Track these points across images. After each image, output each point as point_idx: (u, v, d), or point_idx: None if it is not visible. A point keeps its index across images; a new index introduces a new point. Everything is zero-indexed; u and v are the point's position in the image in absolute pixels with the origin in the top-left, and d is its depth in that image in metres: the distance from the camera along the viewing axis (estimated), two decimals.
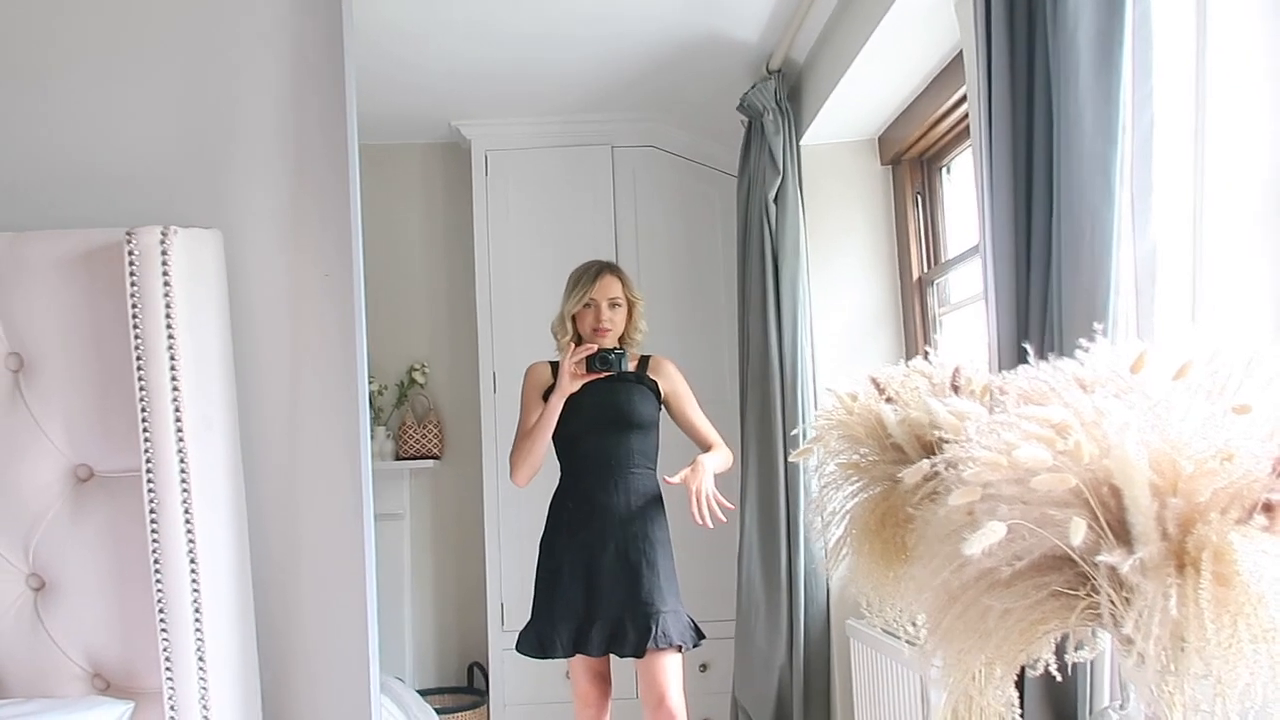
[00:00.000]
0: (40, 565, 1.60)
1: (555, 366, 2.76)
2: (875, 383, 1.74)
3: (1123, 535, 1.05)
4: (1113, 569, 1.03)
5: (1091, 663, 1.36)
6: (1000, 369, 1.44)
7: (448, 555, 4.18)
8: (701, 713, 3.81)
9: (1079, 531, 1.01)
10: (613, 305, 2.75)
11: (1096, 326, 1.22)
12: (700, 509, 2.60)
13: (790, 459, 2.71)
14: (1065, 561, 1.10)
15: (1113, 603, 1.05)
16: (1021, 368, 1.21)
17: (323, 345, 1.70)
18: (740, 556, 3.31)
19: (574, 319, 2.77)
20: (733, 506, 2.68)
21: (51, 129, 1.73)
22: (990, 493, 1.08)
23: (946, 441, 1.21)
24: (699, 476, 2.63)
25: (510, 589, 3.80)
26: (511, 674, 3.80)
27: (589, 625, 2.62)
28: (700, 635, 2.66)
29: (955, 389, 1.64)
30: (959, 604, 1.16)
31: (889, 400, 1.70)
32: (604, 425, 2.70)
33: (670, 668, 2.57)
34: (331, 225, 1.70)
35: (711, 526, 2.61)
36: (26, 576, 1.61)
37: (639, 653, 2.56)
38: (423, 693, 3.67)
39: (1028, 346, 1.29)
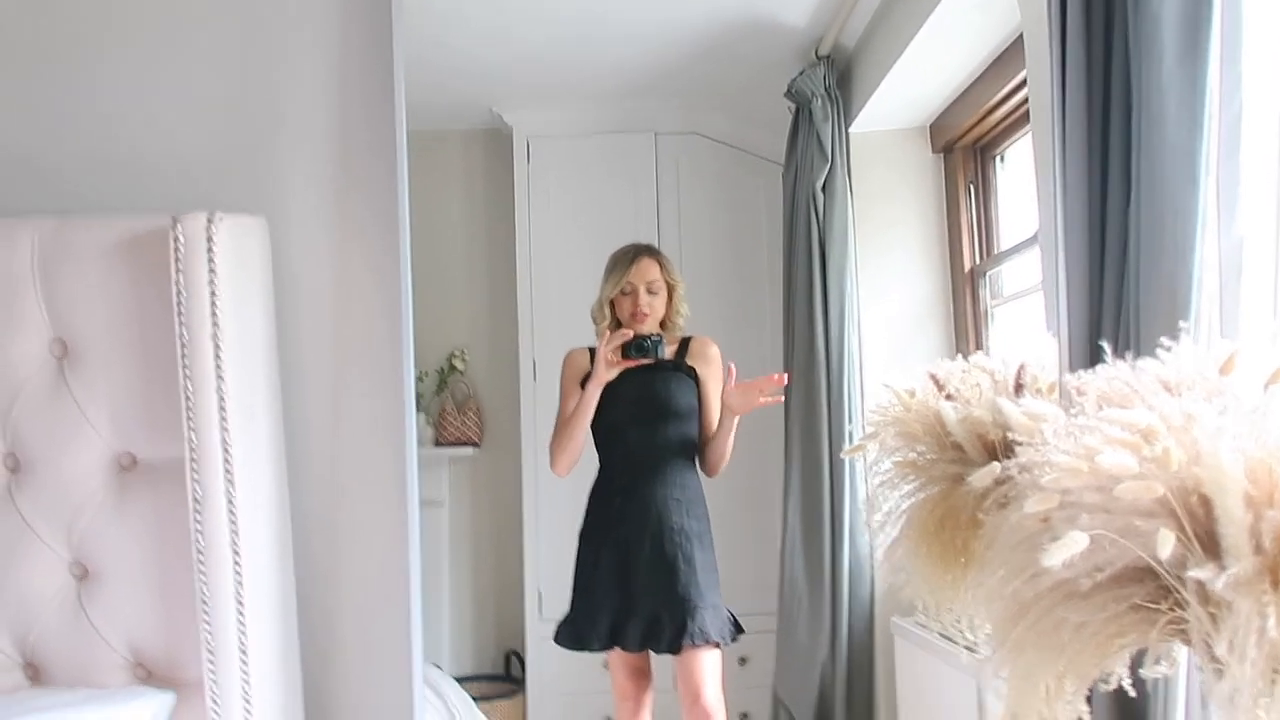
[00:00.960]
0: (83, 554, 1.59)
1: (594, 353, 2.70)
2: (934, 379, 1.68)
3: (1212, 548, 0.99)
4: (1201, 584, 0.97)
5: (1166, 679, 1.30)
6: (1072, 367, 1.37)
7: (486, 543, 4.17)
8: (741, 707, 3.77)
9: (1168, 543, 0.95)
10: (651, 290, 2.68)
11: (1181, 324, 1.16)
12: (763, 388, 2.53)
13: (842, 455, 2.64)
14: (1147, 574, 1.04)
15: (1200, 620, 0.99)
16: (1100, 367, 1.15)
17: (368, 335, 1.67)
18: (783, 550, 3.26)
19: (612, 304, 2.72)
20: (780, 379, 2.57)
21: (98, 114, 1.71)
22: (1069, 500, 1.02)
23: (1018, 444, 1.15)
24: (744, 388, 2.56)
25: (548, 577, 3.78)
26: (549, 663, 3.78)
27: (626, 620, 2.57)
28: (739, 630, 2.61)
29: (1020, 387, 1.57)
30: (1031, 615, 1.10)
31: (948, 397, 1.64)
32: (642, 416, 2.65)
33: (707, 664, 2.52)
34: (378, 213, 1.67)
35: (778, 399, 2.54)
36: (70, 565, 1.60)
37: (675, 649, 2.51)
38: (460, 680, 3.67)
39: (1104, 345, 1.22)
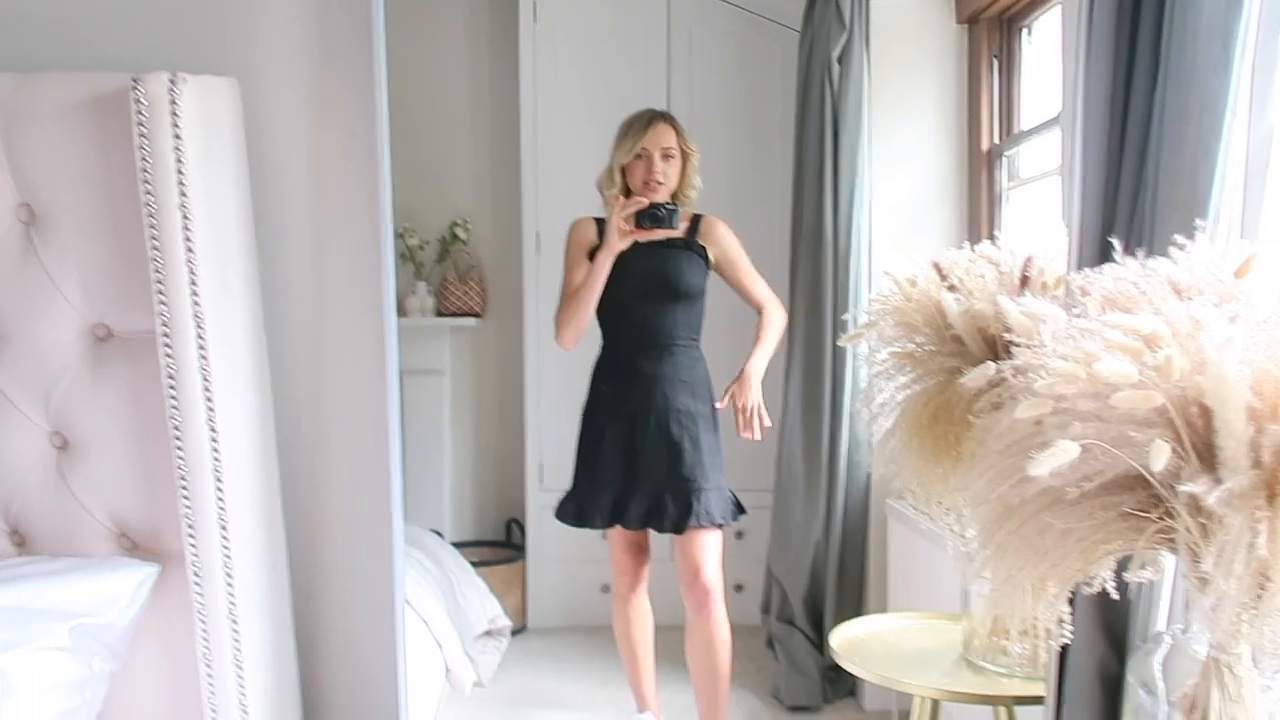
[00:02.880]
0: (62, 424, 1.57)
1: (601, 224, 2.61)
2: (938, 268, 1.61)
3: (1208, 460, 0.94)
4: (1194, 497, 0.93)
5: (1150, 583, 1.28)
6: (1080, 263, 1.30)
7: (487, 413, 4.18)
8: (735, 579, 3.84)
9: (1162, 456, 0.91)
10: (666, 156, 2.57)
11: (1198, 223, 1.08)
12: (749, 425, 2.53)
13: (840, 343, 2.59)
14: (1139, 482, 1.00)
15: (1190, 531, 0.95)
16: (1107, 266, 1.08)
17: (347, 204, 1.61)
18: (782, 430, 3.25)
19: (623, 171, 2.60)
20: (772, 424, 2.60)
21: None
22: (1063, 406, 0.97)
23: (1016, 345, 1.09)
24: (746, 391, 2.54)
25: (549, 448, 3.80)
26: (548, 531, 3.83)
27: (627, 498, 2.57)
28: (741, 510, 2.62)
29: (1025, 280, 1.51)
30: (1015, 519, 1.07)
31: (951, 288, 1.58)
32: (650, 294, 2.58)
33: (709, 544, 2.54)
34: (356, 80, 1.57)
35: (759, 439, 2.53)
36: (49, 435, 1.58)
37: (679, 529, 2.52)
38: (460, 546, 3.74)
39: (1114, 241, 1.15)
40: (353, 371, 1.67)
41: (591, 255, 2.60)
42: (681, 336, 2.61)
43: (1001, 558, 1.10)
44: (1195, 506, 0.95)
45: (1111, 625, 1.35)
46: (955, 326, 1.51)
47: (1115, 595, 1.12)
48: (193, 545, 1.50)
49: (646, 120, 2.59)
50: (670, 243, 2.58)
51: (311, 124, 1.58)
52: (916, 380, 1.60)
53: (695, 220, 2.66)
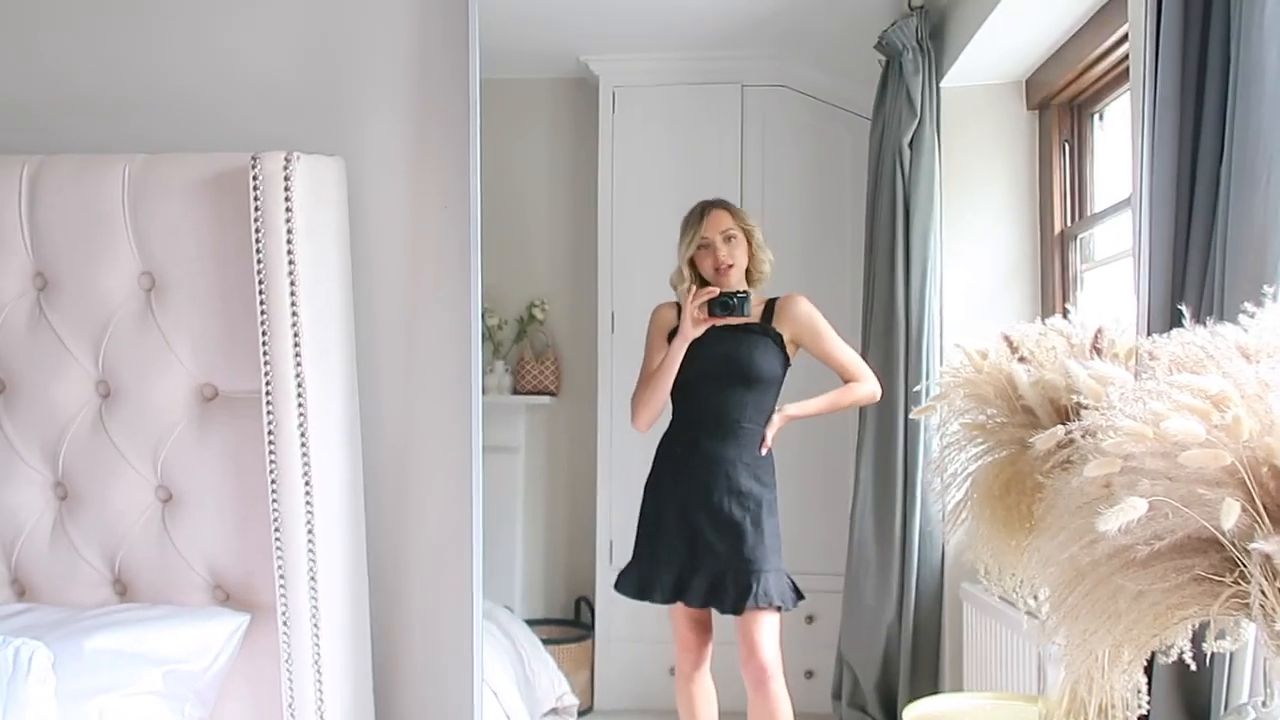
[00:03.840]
0: (168, 478, 1.67)
1: (680, 309, 2.71)
2: (1008, 340, 1.63)
3: None
4: (1267, 558, 0.94)
5: (1231, 654, 1.26)
6: (1150, 332, 1.32)
7: (560, 491, 4.23)
8: (806, 665, 3.78)
9: (1232, 514, 0.92)
10: (727, 239, 2.65)
11: (1266, 289, 1.10)
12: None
13: (911, 416, 2.60)
14: (1211, 545, 1.00)
15: (1264, 594, 0.95)
16: (1175, 331, 1.11)
17: (439, 276, 1.70)
18: (854, 511, 3.23)
19: (693, 264, 2.70)
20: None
21: (180, 53, 1.77)
22: (1131, 465, 0.99)
23: (1085, 408, 1.11)
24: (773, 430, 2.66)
25: (619, 527, 3.82)
26: (618, 610, 3.82)
27: (690, 575, 2.59)
28: (800, 596, 2.62)
29: (1097, 351, 1.52)
30: (1088, 581, 1.08)
31: (1022, 360, 1.60)
32: (719, 377, 2.64)
33: (766, 625, 2.53)
34: (451, 156, 1.69)
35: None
36: (155, 488, 1.68)
37: (738, 610, 2.53)
38: (530, 623, 3.75)
39: (1183, 309, 1.17)
40: (439, 437, 1.74)
41: (670, 336, 2.68)
42: (750, 420, 2.65)
43: (1074, 620, 1.10)
44: (1270, 569, 0.95)
45: (1192, 701, 1.32)
46: (1026, 397, 1.53)
47: (1193, 665, 1.11)
48: (283, 596, 1.57)
49: (700, 211, 2.70)
50: (746, 327, 2.64)
51: (409, 200, 1.70)
52: (988, 451, 1.60)
53: (770, 304, 2.72)
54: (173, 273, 1.63)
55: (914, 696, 2.89)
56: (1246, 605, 1.00)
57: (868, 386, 2.71)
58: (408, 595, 1.76)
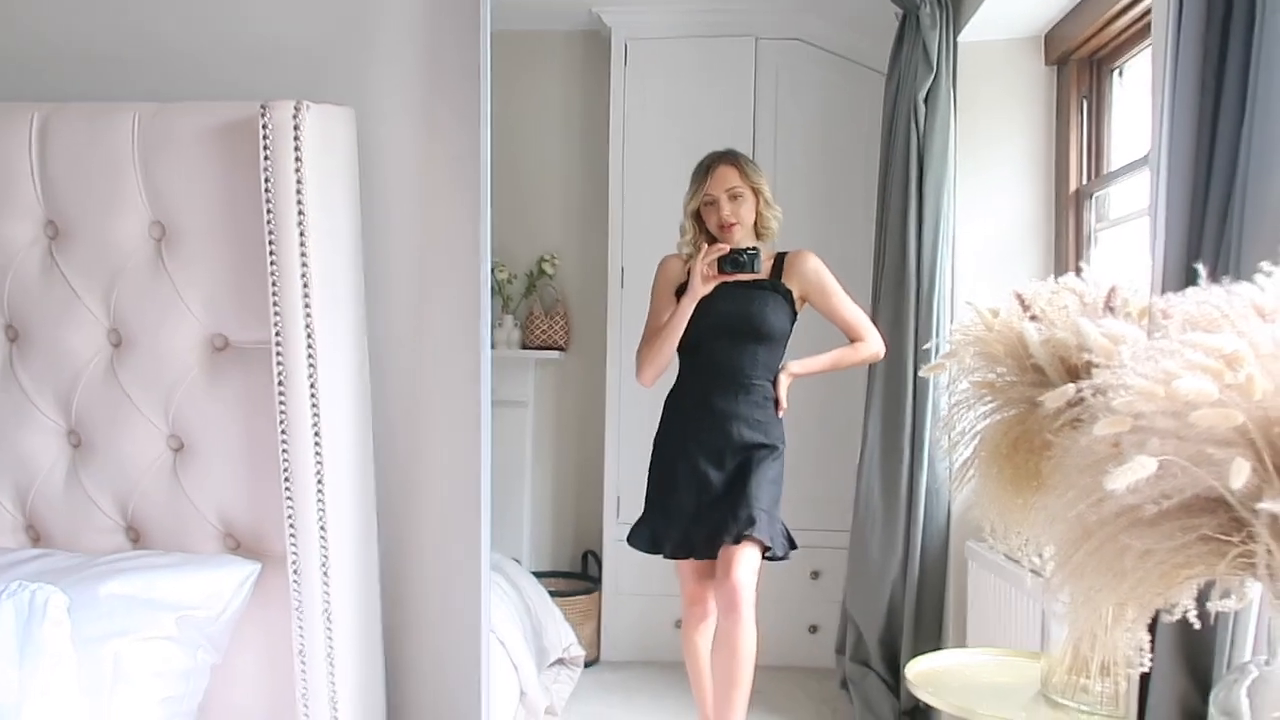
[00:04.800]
0: (179, 428, 1.68)
1: (689, 260, 2.70)
2: (1020, 298, 1.63)
3: None
4: (1275, 518, 0.93)
5: (1235, 613, 1.26)
6: (1164, 291, 1.31)
7: (568, 445, 4.25)
8: (810, 619, 3.82)
9: (1241, 473, 0.91)
10: (734, 197, 2.63)
11: None
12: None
13: (921, 373, 2.60)
14: (1219, 504, 1.00)
15: (1271, 553, 0.96)
16: (1190, 290, 1.10)
17: (449, 228, 1.70)
18: (860, 468, 3.24)
19: (698, 217, 2.68)
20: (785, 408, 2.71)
21: (189, 6, 1.74)
22: (1142, 424, 0.99)
23: (1096, 366, 1.11)
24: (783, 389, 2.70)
25: (626, 481, 3.85)
26: (624, 563, 3.86)
27: (697, 529, 2.61)
28: (792, 545, 2.63)
29: (1110, 310, 1.51)
30: (1094, 540, 1.08)
31: (1033, 318, 1.59)
32: (730, 333, 2.63)
33: (746, 555, 2.52)
34: (462, 108, 1.67)
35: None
36: (167, 437, 1.69)
37: (736, 542, 2.53)
38: (537, 575, 3.79)
39: (1199, 267, 1.16)
40: (447, 390, 1.75)
41: (678, 291, 2.67)
42: (758, 376, 2.65)
43: (1079, 578, 1.11)
44: (1277, 528, 0.95)
45: (1194, 659, 1.33)
46: (1036, 356, 1.52)
47: (1197, 624, 1.12)
48: (293, 544, 1.59)
49: (707, 165, 2.67)
50: (756, 283, 2.63)
51: (419, 150, 1.69)
52: (997, 410, 1.60)
53: (780, 259, 2.70)
54: (183, 222, 1.62)
55: (917, 652, 2.91)
56: (1252, 565, 1.00)
57: (872, 346, 2.72)
58: (417, 546, 1.78)
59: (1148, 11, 2.42)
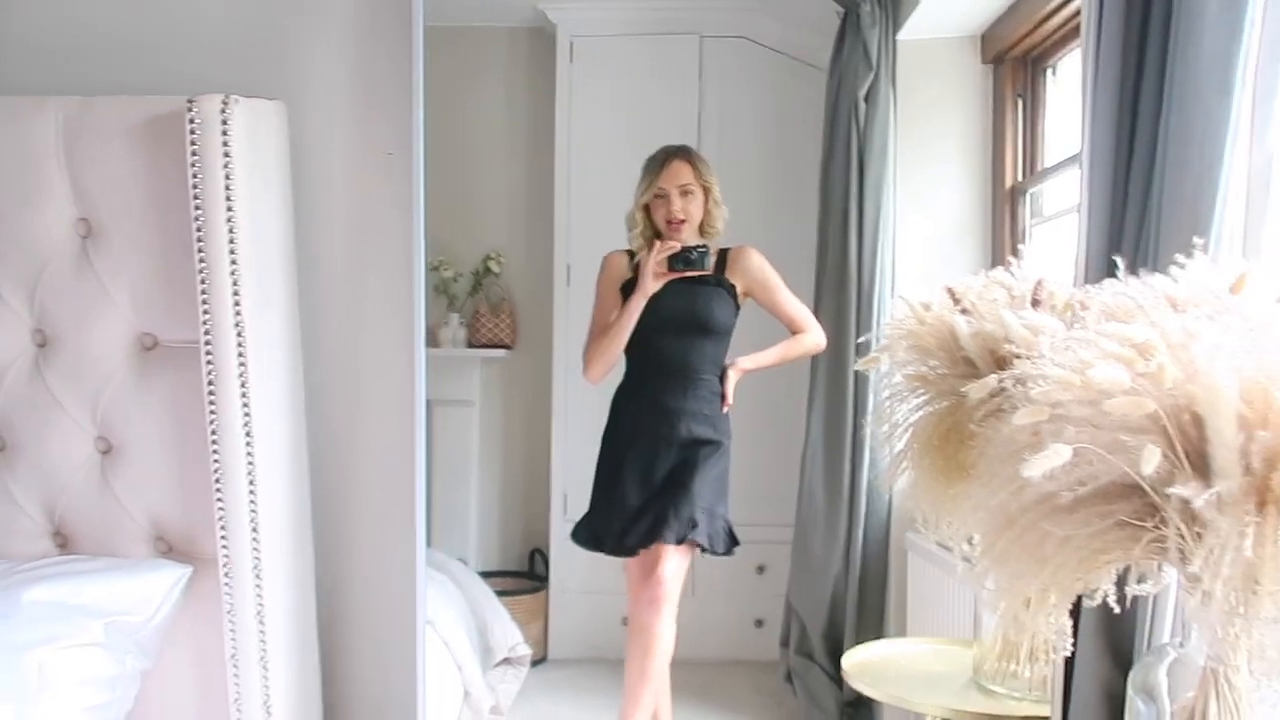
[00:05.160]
0: (107, 429, 1.64)
1: (634, 256, 2.70)
2: (951, 292, 1.65)
3: (1200, 467, 0.97)
4: (1185, 502, 0.96)
5: (1154, 597, 1.29)
6: (1086, 283, 1.34)
7: (515, 444, 4.24)
8: (756, 614, 3.85)
9: (1152, 460, 0.94)
10: (684, 193, 2.65)
11: (1197, 241, 1.12)
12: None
13: (855, 367, 2.63)
14: (1134, 490, 1.03)
15: (1182, 537, 0.98)
16: (1108, 281, 1.12)
17: (383, 224, 1.68)
18: (804, 463, 3.27)
19: (647, 211, 2.69)
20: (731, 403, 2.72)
21: None
22: (1059, 413, 1.01)
23: (1019, 357, 1.13)
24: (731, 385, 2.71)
25: (574, 479, 3.84)
26: (571, 562, 3.86)
27: (638, 525, 2.62)
28: (734, 542, 2.65)
29: (1036, 303, 1.54)
30: (1016, 527, 1.10)
31: (964, 311, 1.62)
32: (677, 329, 2.65)
33: (679, 554, 2.56)
34: (396, 102, 1.65)
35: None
36: (95, 439, 1.65)
37: (679, 541, 2.54)
38: (485, 575, 3.77)
39: (1118, 260, 1.19)
40: (384, 385, 1.73)
41: (623, 288, 2.67)
42: (705, 370, 2.67)
43: (1003, 565, 1.13)
44: (1187, 513, 0.98)
45: (1116, 643, 1.36)
46: (967, 349, 1.54)
47: (1116, 608, 1.14)
48: (225, 547, 1.56)
49: (661, 160, 2.68)
50: (701, 279, 2.64)
51: (352, 145, 1.67)
52: (929, 402, 1.63)
53: (722, 255, 2.72)
54: (110, 219, 1.59)
55: (860, 643, 2.94)
56: (1165, 549, 1.03)
57: (813, 337, 2.76)
58: (353, 546, 1.76)
59: (1079, 11, 2.46)
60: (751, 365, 2.73)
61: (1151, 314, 1.03)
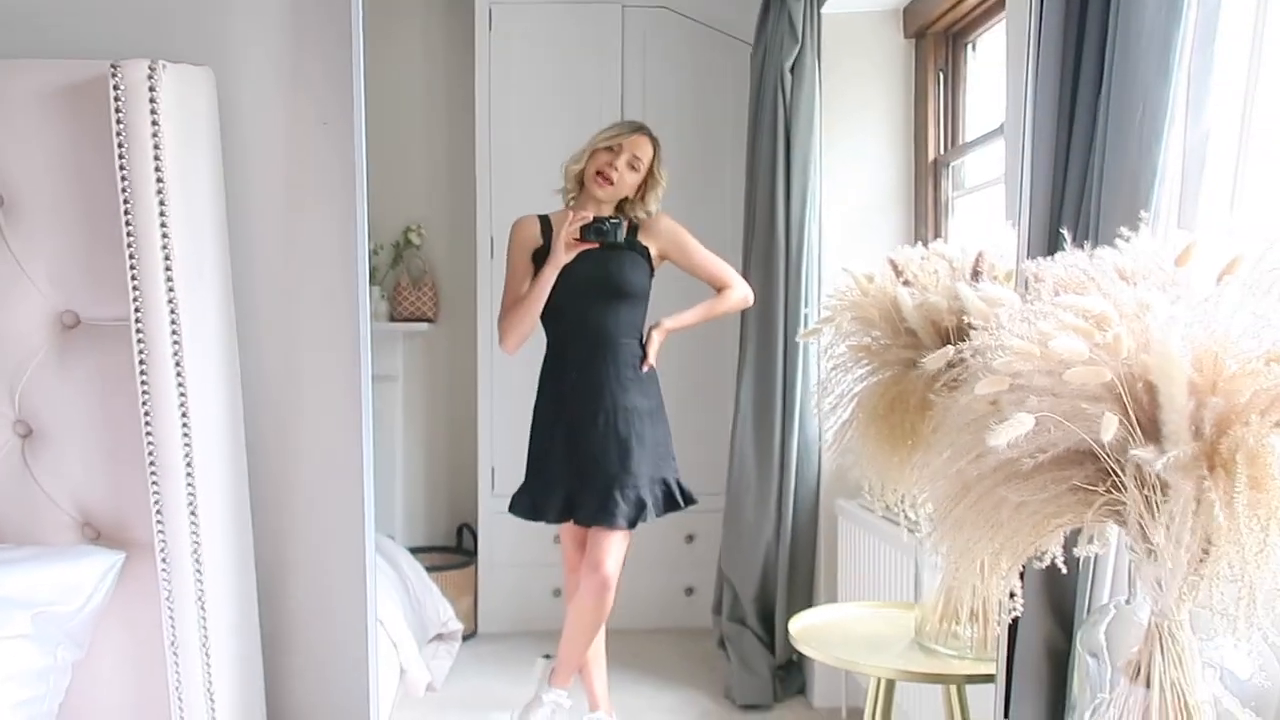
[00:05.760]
0: (26, 412, 1.56)
1: (544, 221, 2.69)
2: (893, 264, 1.68)
3: (1153, 433, 1.01)
4: (1139, 468, 1.00)
5: (1095, 557, 1.35)
6: (1030, 256, 1.38)
7: (440, 418, 4.18)
8: (686, 582, 3.89)
9: (1111, 427, 0.97)
10: (632, 165, 2.64)
11: (1142, 215, 1.16)
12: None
13: (798, 338, 2.67)
14: (1088, 456, 1.06)
15: (1136, 501, 1.02)
16: (1059, 255, 1.15)
17: (320, 195, 1.63)
18: (734, 431, 3.31)
19: (588, 163, 2.65)
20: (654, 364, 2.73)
21: None
22: (1020, 383, 1.04)
23: (974, 329, 1.16)
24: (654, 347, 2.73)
25: (501, 452, 3.82)
26: (500, 535, 3.85)
27: (579, 495, 2.63)
28: (687, 499, 2.72)
29: (977, 274, 1.58)
30: (973, 494, 1.13)
31: (906, 283, 1.65)
32: (593, 296, 2.64)
33: (617, 540, 2.62)
34: (331, 69, 1.60)
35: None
36: (13, 423, 1.57)
37: (632, 524, 2.59)
38: (412, 551, 3.73)
39: (1064, 232, 1.22)
40: (324, 361, 1.68)
41: (534, 255, 2.66)
42: (626, 336, 2.68)
43: (958, 532, 1.16)
44: (1141, 479, 1.02)
45: (1059, 603, 1.41)
46: (909, 320, 1.58)
47: (1064, 569, 1.18)
48: (161, 532, 1.51)
49: (634, 127, 2.69)
50: (614, 245, 2.63)
51: (286, 112, 1.60)
52: (873, 372, 1.66)
53: (633, 223, 2.72)
54: (25, 191, 1.50)
55: (791, 609, 3.01)
56: (1117, 512, 1.07)
57: (739, 291, 2.78)
58: (296, 527, 1.71)
59: None
60: (675, 325, 2.75)
61: (1104, 286, 1.06)
